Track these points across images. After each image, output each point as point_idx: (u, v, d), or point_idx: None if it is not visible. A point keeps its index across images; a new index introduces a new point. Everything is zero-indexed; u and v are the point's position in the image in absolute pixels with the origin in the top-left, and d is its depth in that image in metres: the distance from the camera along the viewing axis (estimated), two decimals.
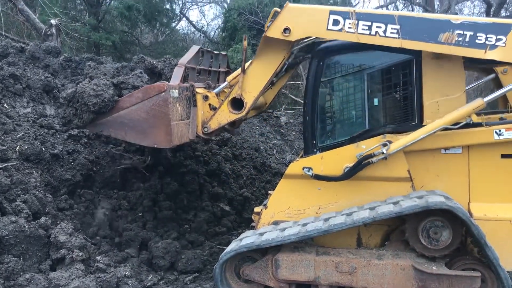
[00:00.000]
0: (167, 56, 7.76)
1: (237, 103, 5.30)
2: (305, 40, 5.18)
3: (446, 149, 4.81)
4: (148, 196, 6.90)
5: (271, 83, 6.02)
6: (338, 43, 5.20)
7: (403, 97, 4.96)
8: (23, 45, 8.47)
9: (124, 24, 20.30)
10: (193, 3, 28.78)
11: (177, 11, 24.75)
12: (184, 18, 26.97)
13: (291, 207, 5.10)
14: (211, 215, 7.37)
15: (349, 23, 4.65)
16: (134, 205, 6.76)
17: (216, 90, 5.75)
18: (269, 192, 5.74)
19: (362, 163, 4.75)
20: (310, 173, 4.93)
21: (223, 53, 7.16)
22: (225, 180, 8.33)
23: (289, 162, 9.32)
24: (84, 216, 6.12)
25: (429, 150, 4.82)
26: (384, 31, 4.58)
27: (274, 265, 4.71)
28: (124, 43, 20.26)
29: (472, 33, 4.44)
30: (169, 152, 7.53)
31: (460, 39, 4.45)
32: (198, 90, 5.51)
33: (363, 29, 4.63)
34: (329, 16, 4.69)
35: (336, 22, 4.68)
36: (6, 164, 5.53)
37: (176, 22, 25.62)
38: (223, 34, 20.73)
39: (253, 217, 5.56)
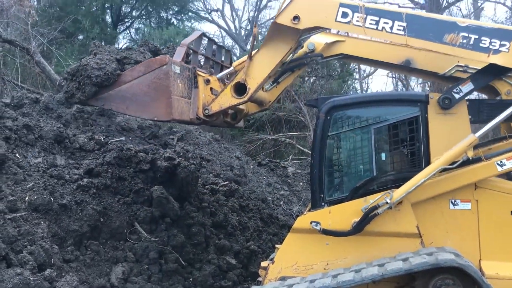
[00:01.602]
0: (171, 43, 7.84)
1: (240, 89, 5.36)
2: (313, 32, 5.29)
3: (454, 204, 4.77)
4: (154, 248, 6.84)
5: (276, 81, 6.08)
6: (345, 98, 5.31)
7: (411, 152, 4.99)
8: (37, 96, 8.72)
9: None
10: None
11: None
12: None
13: (298, 262, 5.01)
14: (217, 269, 7.25)
15: (358, 17, 4.80)
16: (140, 257, 6.68)
17: (219, 75, 5.85)
18: (276, 245, 5.68)
19: (369, 216, 4.71)
20: (318, 228, 4.88)
21: (226, 48, 7.29)
22: (232, 232, 8.24)
23: (297, 215, 9.27)
24: (89, 268, 6.06)
25: (437, 203, 4.78)
26: (391, 27, 4.73)
27: None
28: None
29: (476, 36, 4.54)
30: (176, 204, 7.53)
31: (464, 41, 4.56)
32: (200, 73, 5.58)
33: (370, 23, 4.78)
34: (338, 8, 4.86)
35: (345, 15, 4.84)
36: (15, 215, 5.55)
37: None
38: None
39: (259, 272, 5.47)
